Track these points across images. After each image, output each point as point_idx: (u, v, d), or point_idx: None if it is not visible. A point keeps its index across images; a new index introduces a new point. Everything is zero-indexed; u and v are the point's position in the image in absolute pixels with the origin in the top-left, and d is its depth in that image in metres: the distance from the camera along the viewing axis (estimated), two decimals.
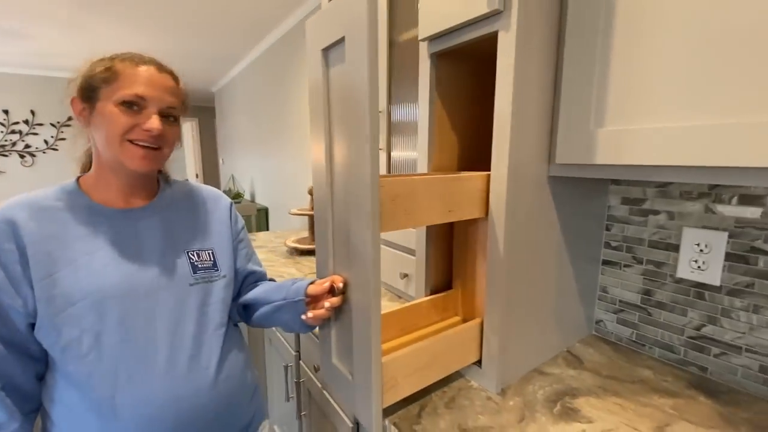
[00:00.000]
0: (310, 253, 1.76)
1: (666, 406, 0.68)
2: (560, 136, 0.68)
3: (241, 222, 0.84)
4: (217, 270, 0.72)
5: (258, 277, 0.84)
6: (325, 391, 1.02)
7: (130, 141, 0.61)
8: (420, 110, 0.81)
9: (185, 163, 6.71)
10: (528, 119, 0.66)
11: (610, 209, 0.90)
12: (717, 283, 0.74)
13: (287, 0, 2.29)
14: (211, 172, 6.37)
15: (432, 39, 0.75)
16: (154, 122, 0.61)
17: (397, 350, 0.65)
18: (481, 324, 0.73)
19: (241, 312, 0.82)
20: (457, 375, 0.76)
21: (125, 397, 0.60)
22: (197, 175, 6.45)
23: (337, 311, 0.65)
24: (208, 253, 0.72)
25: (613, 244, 0.89)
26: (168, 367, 0.63)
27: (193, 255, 0.70)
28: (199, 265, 0.70)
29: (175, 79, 0.67)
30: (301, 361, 1.18)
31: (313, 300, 0.67)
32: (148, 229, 0.67)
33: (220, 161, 5.71)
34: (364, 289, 0.57)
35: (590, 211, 0.86)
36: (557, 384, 0.74)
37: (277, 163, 3.27)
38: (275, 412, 1.55)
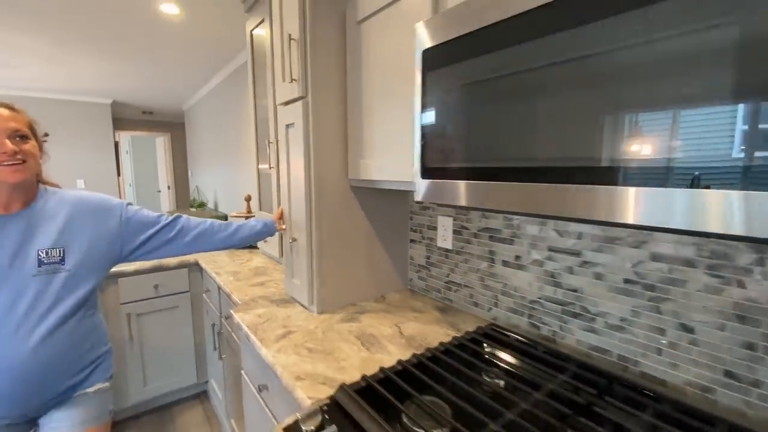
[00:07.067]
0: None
1: (411, 316, 1.18)
2: (349, 162, 1.18)
3: (132, 211, 1.05)
4: (63, 264, 0.91)
5: (183, 221, 1.10)
6: (233, 333, 1.49)
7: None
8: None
9: (158, 174, 7.06)
10: (331, 151, 1.16)
11: (412, 207, 1.41)
12: (451, 247, 1.25)
13: (240, 40, 2.78)
14: (182, 183, 6.72)
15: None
16: (5, 145, 0.82)
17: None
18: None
19: (190, 243, 1.10)
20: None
21: None
22: (169, 187, 6.78)
23: (292, 252, 1.19)
24: (58, 251, 0.91)
25: (413, 228, 1.40)
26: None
27: (42, 252, 0.89)
28: (45, 261, 0.89)
29: (11, 108, 0.88)
30: (222, 318, 1.64)
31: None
32: (8, 231, 0.87)
33: (190, 173, 6.09)
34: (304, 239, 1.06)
35: (398, 210, 1.37)
36: (357, 310, 1.23)
37: (232, 175, 3.71)
38: (213, 371, 1.99)
